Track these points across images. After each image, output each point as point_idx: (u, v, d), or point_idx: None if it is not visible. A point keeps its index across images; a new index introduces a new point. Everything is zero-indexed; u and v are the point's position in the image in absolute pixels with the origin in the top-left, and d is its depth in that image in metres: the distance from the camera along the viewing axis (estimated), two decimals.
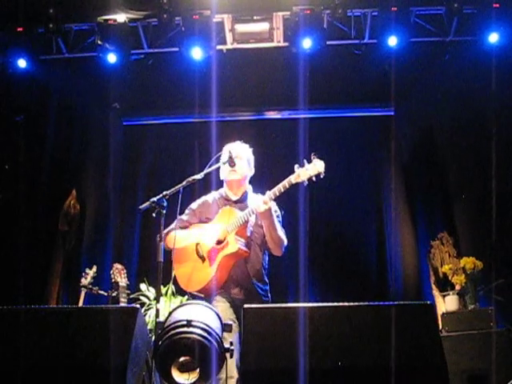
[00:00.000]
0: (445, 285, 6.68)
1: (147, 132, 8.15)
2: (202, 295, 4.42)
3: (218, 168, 4.60)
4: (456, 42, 6.84)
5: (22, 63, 6.89)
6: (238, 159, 4.60)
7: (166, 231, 4.51)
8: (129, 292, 5.65)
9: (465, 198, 7.11)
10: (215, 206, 4.68)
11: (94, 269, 5.84)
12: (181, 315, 3.42)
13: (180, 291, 6.48)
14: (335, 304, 3.46)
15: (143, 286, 6.58)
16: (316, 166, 4.24)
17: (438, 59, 7.10)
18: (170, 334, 3.30)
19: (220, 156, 4.64)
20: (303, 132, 7.18)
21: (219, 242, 4.45)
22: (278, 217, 4.56)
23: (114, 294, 5.55)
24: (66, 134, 7.70)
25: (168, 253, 4.44)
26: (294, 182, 4.28)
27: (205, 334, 3.28)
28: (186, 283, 4.54)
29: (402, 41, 6.62)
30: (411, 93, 7.55)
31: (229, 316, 4.26)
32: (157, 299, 3.86)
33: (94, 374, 3.27)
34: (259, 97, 7.73)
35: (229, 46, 7.02)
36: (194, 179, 4.28)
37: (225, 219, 4.50)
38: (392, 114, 7.76)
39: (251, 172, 4.77)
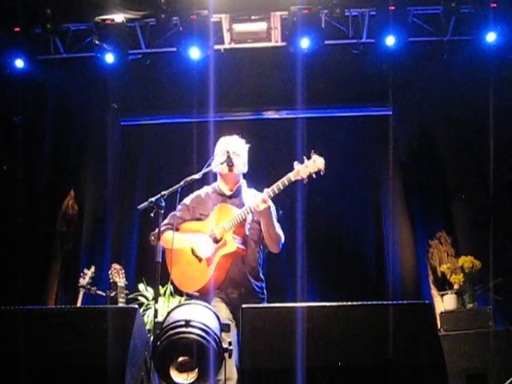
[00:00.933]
0: (443, 284, 6.69)
1: (145, 132, 8.15)
2: (198, 294, 4.34)
3: (216, 167, 4.58)
4: (454, 41, 6.85)
5: (19, 63, 6.88)
6: (235, 155, 4.54)
7: (161, 228, 4.34)
8: (127, 292, 5.65)
9: (464, 197, 7.11)
10: (209, 201, 4.62)
11: (93, 269, 5.84)
12: (179, 315, 3.41)
13: (178, 291, 6.49)
14: (334, 303, 3.46)
15: (141, 286, 6.58)
16: (316, 163, 4.21)
17: (436, 59, 7.11)
18: (168, 334, 3.29)
19: (217, 154, 4.62)
20: (301, 131, 7.18)
21: (216, 241, 4.40)
22: (275, 214, 4.50)
23: (112, 295, 5.54)
24: (63, 134, 7.69)
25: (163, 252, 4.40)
26: (293, 179, 4.24)
27: (203, 334, 3.27)
28: (182, 283, 4.49)
29: (399, 40, 6.62)
30: (409, 92, 7.55)
31: (226, 316, 4.24)
32: (155, 299, 3.87)
33: (93, 375, 3.27)
34: (257, 96, 7.73)
35: (226, 45, 7.02)
36: (191, 179, 4.27)
37: (221, 216, 4.44)
38: (390, 113, 7.76)
39: (246, 168, 4.70)
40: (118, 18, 6.67)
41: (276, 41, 6.95)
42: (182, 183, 4.21)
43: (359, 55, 7.00)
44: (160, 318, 3.58)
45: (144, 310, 6.37)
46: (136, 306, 3.76)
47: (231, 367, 3.87)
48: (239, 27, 6.85)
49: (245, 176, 4.78)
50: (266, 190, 4.27)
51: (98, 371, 3.26)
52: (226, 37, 6.94)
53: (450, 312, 6.07)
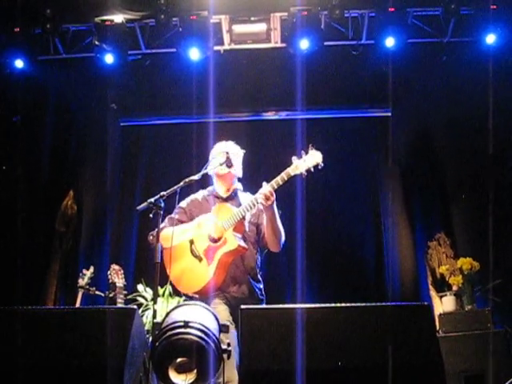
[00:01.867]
0: (442, 285, 6.69)
1: (144, 133, 8.14)
2: (197, 296, 4.36)
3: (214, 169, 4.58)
4: (453, 43, 6.85)
5: (19, 64, 6.88)
6: (234, 155, 4.60)
7: (158, 230, 4.40)
8: (126, 293, 5.65)
9: (464, 198, 7.11)
10: (205, 204, 4.64)
11: (92, 269, 5.84)
12: (178, 316, 3.41)
13: (178, 292, 6.48)
14: (333, 305, 3.46)
15: (140, 287, 6.58)
16: (314, 157, 4.29)
17: (435, 60, 7.11)
18: (167, 334, 3.29)
19: (213, 158, 4.63)
20: (300, 133, 7.17)
21: (215, 241, 4.39)
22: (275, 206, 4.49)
23: (111, 295, 5.54)
24: (63, 134, 7.70)
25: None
26: (292, 173, 4.28)
27: (202, 335, 3.27)
28: (182, 284, 4.47)
29: (399, 42, 6.63)
30: (408, 94, 7.55)
31: (226, 317, 4.24)
32: (154, 300, 3.86)
33: (91, 375, 3.27)
34: (256, 97, 7.73)
35: (226, 46, 7.02)
36: (191, 180, 4.28)
37: (220, 215, 4.43)
38: (389, 114, 7.75)
39: (241, 172, 4.74)
40: (118, 18, 6.67)
41: (276, 42, 6.96)
42: (181, 184, 4.22)
43: (359, 56, 7.01)
44: (159, 319, 3.58)
45: (143, 311, 6.37)
46: (135, 306, 3.76)
47: (231, 368, 3.88)
48: (239, 28, 6.86)
49: (241, 180, 4.80)
50: (266, 184, 4.27)
51: (97, 372, 3.25)
52: (226, 38, 6.95)
53: (449, 313, 6.07)
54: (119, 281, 5.57)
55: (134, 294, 6.49)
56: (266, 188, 4.24)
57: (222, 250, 4.33)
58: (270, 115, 8.05)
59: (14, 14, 6.62)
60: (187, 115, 7.85)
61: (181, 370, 3.29)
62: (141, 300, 6.50)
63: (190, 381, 3.26)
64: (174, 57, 6.96)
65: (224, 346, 3.34)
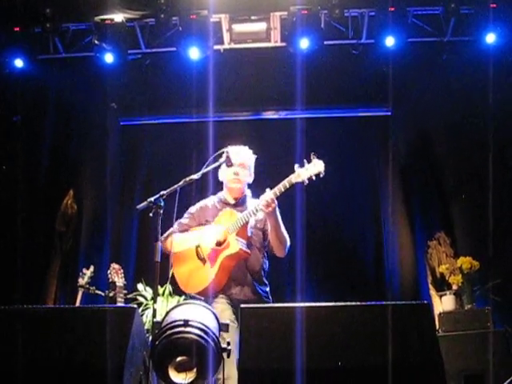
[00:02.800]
0: (442, 285, 6.69)
1: (144, 132, 8.14)
2: (202, 298, 4.43)
3: (216, 168, 4.60)
4: (453, 42, 6.85)
5: (19, 63, 6.89)
6: (242, 167, 4.65)
7: (165, 235, 4.57)
8: (126, 292, 5.63)
9: (464, 198, 7.11)
10: (214, 210, 4.71)
11: (92, 269, 5.83)
12: (178, 315, 3.41)
13: (177, 291, 6.48)
14: (332, 304, 3.46)
15: (140, 286, 6.58)
16: (316, 166, 4.30)
17: (436, 59, 7.11)
18: (167, 333, 3.29)
19: (217, 156, 4.64)
20: (300, 132, 7.17)
21: (219, 244, 4.46)
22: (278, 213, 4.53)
23: (111, 294, 5.54)
24: (63, 134, 7.70)
25: (166, 254, 4.49)
26: (294, 181, 4.31)
27: (202, 334, 3.27)
28: (186, 285, 4.56)
29: (399, 41, 6.63)
30: (408, 93, 7.55)
31: (228, 317, 4.27)
32: (154, 299, 3.86)
33: (91, 374, 3.27)
34: (256, 97, 7.72)
35: (226, 45, 7.03)
36: (191, 179, 4.28)
37: (225, 221, 4.52)
38: (389, 114, 7.75)
39: (252, 178, 4.79)
40: (118, 17, 6.68)
41: (275, 41, 6.96)
42: (181, 183, 4.23)
43: (359, 56, 7.01)
44: (159, 318, 3.58)
45: (143, 310, 6.37)
46: (135, 305, 3.76)
47: (231, 366, 3.89)
48: (239, 27, 6.86)
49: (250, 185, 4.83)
50: (269, 190, 4.32)
51: (97, 371, 3.25)
52: (226, 37, 6.95)
53: (449, 313, 6.08)
54: (119, 280, 5.56)
55: (134, 293, 6.49)
56: (268, 195, 4.29)
57: (224, 254, 4.40)
58: (270, 114, 8.05)
59: (13, 13, 6.63)
60: (187, 114, 7.85)
61: (181, 368, 3.28)
62: (141, 299, 6.50)
63: (190, 379, 3.26)
64: (174, 56, 6.96)
65: (224, 345, 3.34)
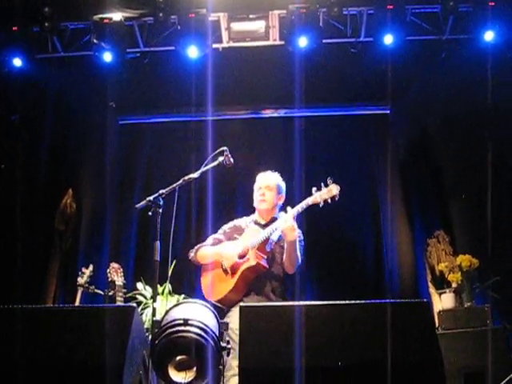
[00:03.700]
0: (441, 283, 6.70)
1: (143, 131, 8.14)
2: (224, 307, 4.67)
3: (214, 167, 4.61)
4: (452, 40, 6.84)
5: (17, 62, 6.87)
6: (267, 190, 4.86)
7: (197, 247, 4.89)
8: (125, 291, 5.64)
9: (463, 196, 7.12)
10: (246, 228, 4.90)
11: (91, 268, 5.83)
12: (177, 314, 3.42)
13: (177, 290, 6.49)
14: (332, 302, 3.46)
15: (140, 285, 6.58)
16: (331, 191, 4.54)
17: (434, 57, 7.10)
18: (166, 332, 3.30)
19: (216, 155, 4.65)
20: (299, 130, 7.18)
21: (241, 257, 4.67)
22: (300, 242, 4.74)
23: (110, 293, 5.54)
24: (62, 133, 7.69)
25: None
26: (310, 203, 4.54)
27: (201, 333, 3.28)
28: (208, 293, 4.76)
29: (397, 39, 6.62)
30: (407, 91, 7.55)
31: None
32: (153, 298, 3.87)
33: (91, 373, 3.27)
34: (255, 95, 7.72)
35: (225, 44, 7.01)
36: (190, 178, 4.30)
37: (249, 236, 4.73)
38: (388, 112, 7.76)
39: (281, 200, 4.92)
40: (116, 16, 6.67)
41: (274, 39, 6.95)
42: (180, 182, 4.24)
43: (357, 54, 6.99)
44: (158, 317, 3.59)
45: (142, 309, 6.37)
46: (134, 304, 3.75)
47: (234, 364, 3.94)
48: (237, 26, 6.85)
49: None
50: (288, 214, 4.49)
51: (96, 370, 3.25)
52: (224, 35, 6.94)
53: (448, 310, 6.08)
54: (118, 279, 5.56)
55: (134, 293, 6.49)
56: (289, 221, 4.46)
57: (245, 266, 4.61)
58: (269, 113, 8.05)
59: (12, 12, 6.61)
60: (186, 113, 7.86)
61: (180, 367, 3.29)
62: (140, 298, 6.50)
63: (190, 379, 3.27)
64: (173, 55, 6.95)
65: (223, 344, 3.34)
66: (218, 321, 3.55)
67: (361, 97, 7.76)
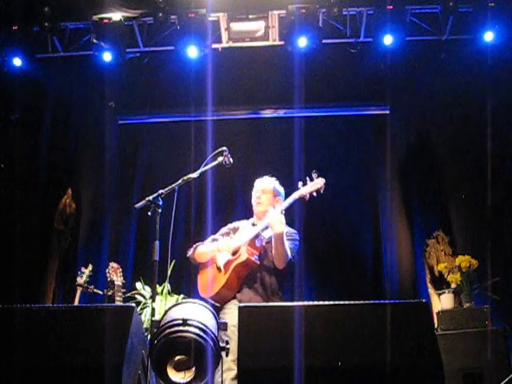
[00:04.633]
0: (440, 283, 6.69)
1: (142, 131, 8.13)
2: (218, 304, 4.66)
3: (214, 167, 4.62)
4: (451, 40, 6.85)
5: (17, 62, 6.88)
6: (262, 193, 4.91)
7: (195, 245, 4.89)
8: (124, 291, 5.65)
9: (463, 196, 7.12)
10: (242, 229, 4.91)
11: (90, 267, 5.83)
12: (176, 314, 3.42)
13: (176, 290, 6.49)
14: (331, 302, 3.46)
15: (139, 285, 6.58)
16: (316, 184, 4.66)
17: (434, 58, 7.11)
18: (165, 332, 3.30)
19: (215, 155, 4.65)
20: (298, 130, 7.18)
21: (234, 254, 4.68)
22: (293, 240, 4.78)
23: (109, 293, 5.55)
24: (61, 132, 7.69)
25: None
26: (297, 197, 4.66)
27: (200, 333, 3.28)
28: (201, 290, 4.78)
29: (397, 39, 6.63)
30: (406, 91, 7.55)
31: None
32: (152, 298, 3.87)
33: (90, 373, 3.27)
34: (255, 95, 7.72)
35: (224, 44, 7.02)
36: (189, 178, 4.31)
37: (242, 234, 4.76)
38: (387, 112, 7.75)
39: (279, 202, 4.88)
40: (116, 16, 6.67)
41: (274, 40, 6.95)
42: (179, 182, 4.24)
43: (357, 54, 7.00)
44: (157, 317, 3.59)
45: (141, 309, 6.36)
46: (133, 304, 3.75)
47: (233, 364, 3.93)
48: (237, 26, 6.85)
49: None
50: (278, 207, 4.65)
51: (95, 370, 3.25)
52: (224, 36, 6.94)
53: (447, 311, 6.08)
54: (118, 279, 5.57)
55: (133, 292, 6.49)
56: (276, 215, 4.55)
57: (236, 262, 4.62)
58: (269, 113, 8.05)
59: (12, 12, 6.61)
60: (185, 113, 7.85)
61: (179, 367, 3.29)
62: (139, 298, 6.49)
63: (189, 379, 3.27)
64: (172, 55, 6.95)
65: (222, 344, 3.34)
66: (217, 321, 3.55)
67: (360, 97, 7.76)
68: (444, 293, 6.40)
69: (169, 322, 3.36)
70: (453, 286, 6.37)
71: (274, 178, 5.03)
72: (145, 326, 5.08)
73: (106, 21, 6.64)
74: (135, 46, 7.06)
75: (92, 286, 5.75)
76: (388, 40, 6.62)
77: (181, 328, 3.29)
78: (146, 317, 6.12)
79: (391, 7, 6.48)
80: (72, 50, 7.09)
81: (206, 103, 7.00)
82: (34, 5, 6.70)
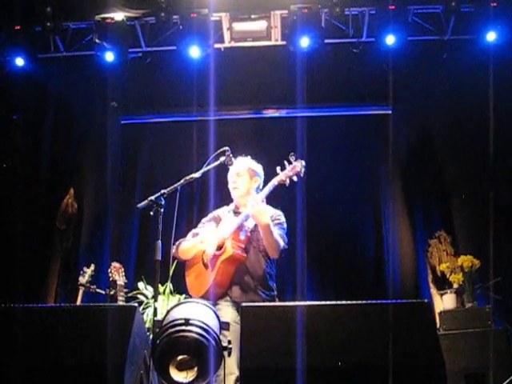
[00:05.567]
0: (442, 283, 6.69)
1: (145, 130, 8.15)
2: (210, 301, 4.43)
3: (216, 167, 4.61)
4: (454, 40, 6.84)
5: (19, 62, 6.88)
6: (237, 176, 4.74)
7: (178, 242, 4.71)
8: (127, 290, 5.64)
9: (465, 196, 7.11)
10: (225, 218, 4.78)
11: (92, 267, 5.83)
12: (179, 314, 3.42)
13: (178, 290, 6.49)
14: (333, 302, 3.47)
15: (141, 285, 6.59)
16: (295, 168, 4.50)
17: (436, 58, 7.11)
18: (167, 332, 3.30)
19: (217, 154, 4.65)
20: (301, 130, 7.19)
21: (219, 249, 4.54)
22: (280, 224, 4.63)
23: (111, 293, 5.55)
24: (63, 132, 7.70)
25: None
26: (276, 183, 4.49)
27: (203, 333, 3.27)
28: (191, 289, 4.68)
29: (399, 39, 6.62)
30: (409, 91, 7.55)
31: (233, 318, 4.28)
32: (155, 298, 3.87)
33: (92, 373, 3.27)
34: (257, 95, 7.73)
35: (226, 44, 7.02)
36: (191, 178, 4.30)
37: (225, 226, 4.62)
38: (389, 112, 7.76)
39: (257, 182, 4.77)
40: (118, 16, 6.67)
41: (276, 40, 6.95)
42: (181, 182, 4.24)
43: (359, 54, 6.99)
44: (159, 317, 3.59)
45: (143, 309, 6.37)
46: (135, 304, 3.76)
47: (233, 364, 3.91)
48: (239, 26, 6.85)
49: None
50: (258, 196, 4.44)
51: (98, 369, 3.26)
52: (226, 35, 6.94)
53: (450, 311, 6.08)
54: (120, 278, 5.57)
55: (135, 292, 6.50)
56: (257, 205, 4.36)
57: (221, 258, 4.48)
58: (271, 113, 8.06)
59: (14, 11, 6.62)
60: (187, 113, 7.87)
61: (181, 367, 3.29)
62: (141, 298, 6.51)
63: (191, 378, 3.26)
64: (175, 55, 6.95)
65: (224, 344, 3.34)
66: (219, 320, 3.55)
67: (362, 97, 7.76)
68: (446, 293, 6.40)
69: (171, 321, 3.36)
70: (455, 285, 6.37)
71: (248, 157, 4.89)
72: (147, 325, 5.08)
73: (108, 21, 6.64)
74: (137, 46, 7.05)
75: (94, 286, 5.75)
76: (390, 40, 6.61)
77: (183, 328, 3.29)
78: (148, 316, 6.14)
79: (393, 7, 6.47)
80: (74, 49, 7.09)
81: (208, 103, 7.00)
82: (36, 5, 6.70)
